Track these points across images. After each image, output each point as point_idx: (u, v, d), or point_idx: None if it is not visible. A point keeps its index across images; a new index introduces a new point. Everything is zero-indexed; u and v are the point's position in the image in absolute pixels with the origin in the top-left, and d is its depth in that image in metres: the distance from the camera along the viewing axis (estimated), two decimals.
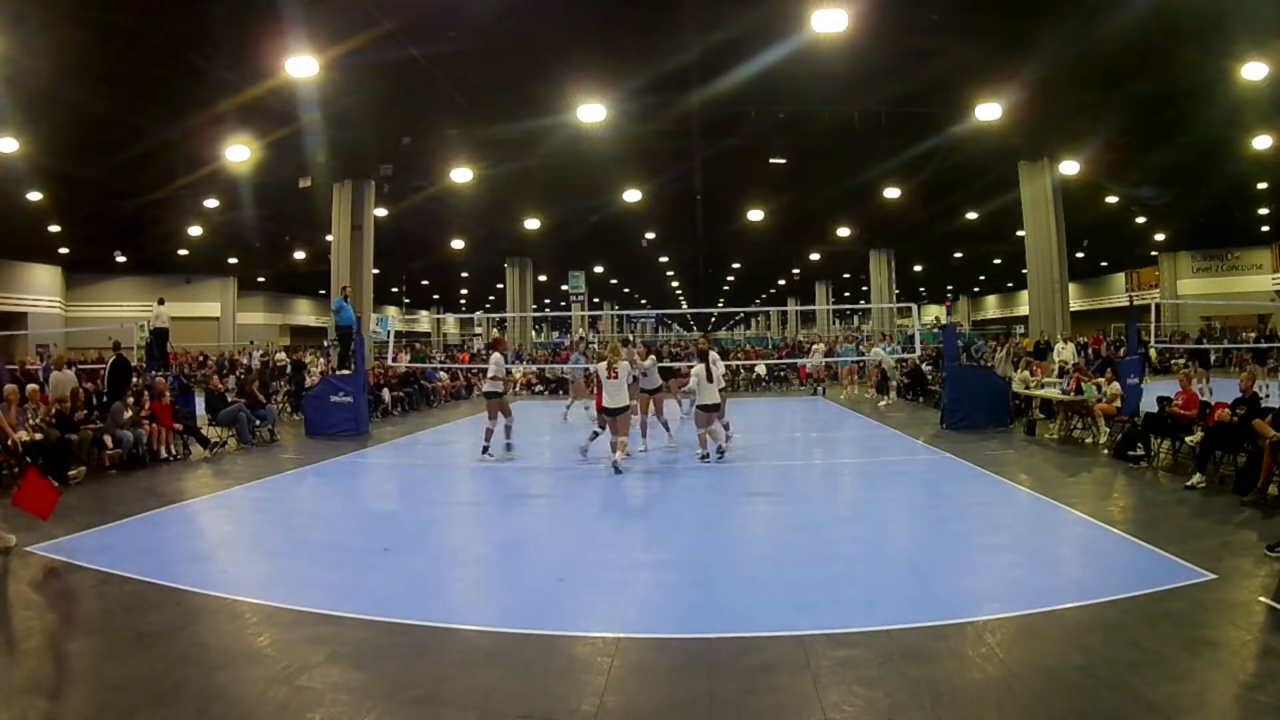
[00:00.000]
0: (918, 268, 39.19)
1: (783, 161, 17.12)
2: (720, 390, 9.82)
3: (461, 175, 17.23)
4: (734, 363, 23.02)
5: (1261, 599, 4.43)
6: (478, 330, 32.21)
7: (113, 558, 5.45)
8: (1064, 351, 13.72)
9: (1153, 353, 19.75)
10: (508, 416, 10.02)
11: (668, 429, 11.21)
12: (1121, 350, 15.24)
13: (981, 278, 44.39)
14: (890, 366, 17.81)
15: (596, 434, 9.73)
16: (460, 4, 10.25)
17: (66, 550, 5.74)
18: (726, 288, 45.47)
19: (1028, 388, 12.80)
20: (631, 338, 25.56)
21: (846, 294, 44.84)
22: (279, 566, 5.49)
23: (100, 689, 3.52)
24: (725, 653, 3.85)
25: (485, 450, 9.75)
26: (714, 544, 6.06)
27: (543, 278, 35.61)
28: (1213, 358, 19.72)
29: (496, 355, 10.36)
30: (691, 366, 10.57)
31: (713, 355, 10.00)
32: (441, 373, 20.50)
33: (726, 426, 10.18)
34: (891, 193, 20.12)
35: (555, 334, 42.34)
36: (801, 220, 23.83)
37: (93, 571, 5.22)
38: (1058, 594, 4.51)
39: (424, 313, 50.84)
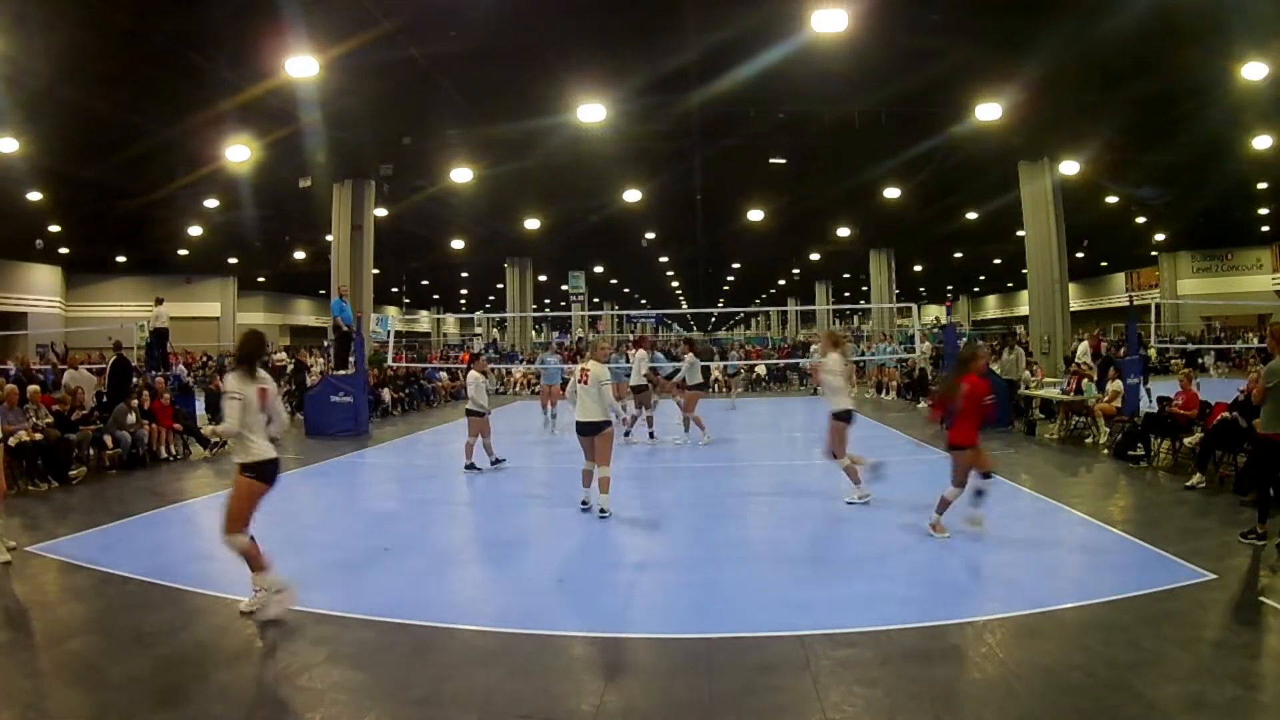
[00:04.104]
0: (918, 268, 39.16)
1: (783, 161, 17.11)
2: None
3: (461, 175, 17.22)
4: (732, 362, 23.05)
5: (1262, 599, 4.44)
6: (478, 330, 32.15)
7: (113, 558, 5.46)
8: (1083, 355, 13.81)
9: (1152, 352, 19.74)
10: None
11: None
12: (1122, 350, 15.24)
13: (981, 278, 44.38)
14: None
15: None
16: (460, 4, 10.24)
17: (66, 550, 5.74)
18: (726, 288, 45.45)
19: (1027, 387, 12.80)
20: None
21: (846, 294, 44.81)
22: (279, 566, 5.47)
23: (100, 689, 3.52)
24: (725, 653, 3.85)
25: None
26: (714, 544, 6.05)
27: (543, 278, 35.59)
28: (1210, 359, 19.72)
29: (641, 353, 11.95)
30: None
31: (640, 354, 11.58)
32: (442, 373, 20.50)
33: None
34: (891, 193, 20.11)
35: (555, 334, 42.30)
36: (801, 220, 23.82)
37: (93, 571, 5.23)
38: (1058, 594, 4.51)
39: (424, 313, 50.82)
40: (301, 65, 10.96)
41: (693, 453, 10.59)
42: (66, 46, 10.40)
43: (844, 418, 7.41)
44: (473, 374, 9.44)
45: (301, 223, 22.77)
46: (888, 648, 3.84)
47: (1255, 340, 24.64)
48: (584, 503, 6.85)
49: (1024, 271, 20.54)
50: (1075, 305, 26.22)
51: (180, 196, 18.57)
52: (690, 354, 12.12)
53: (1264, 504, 5.57)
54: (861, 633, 4.03)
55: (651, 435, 11.67)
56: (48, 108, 12.43)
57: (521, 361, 23.91)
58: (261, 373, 4.59)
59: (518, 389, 23.00)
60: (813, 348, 23.95)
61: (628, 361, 16.10)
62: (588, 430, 6.71)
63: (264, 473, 4.48)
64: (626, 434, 11.49)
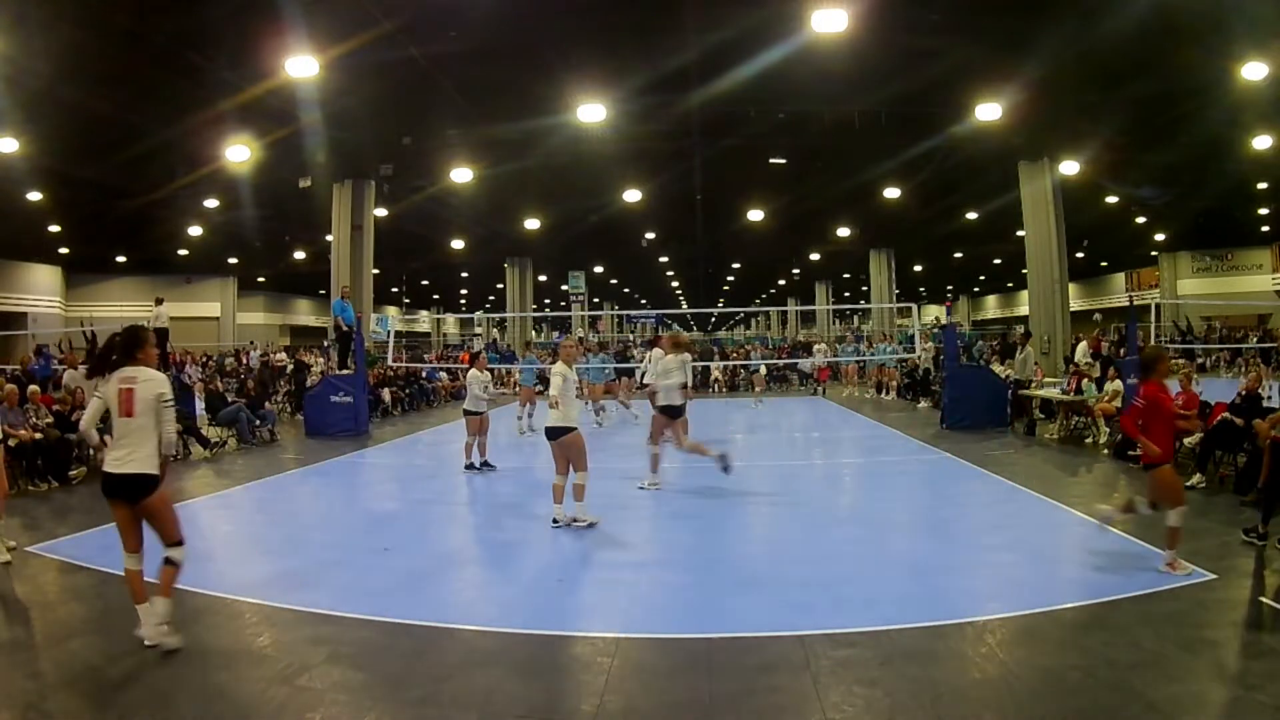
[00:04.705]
0: (918, 268, 39.16)
1: (783, 161, 17.12)
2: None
3: (461, 175, 17.22)
4: (731, 362, 23.05)
5: (1262, 599, 4.44)
6: (478, 330, 32.17)
7: (113, 558, 5.39)
8: (1083, 355, 13.83)
9: None
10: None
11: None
12: (1122, 350, 15.25)
13: (981, 278, 44.37)
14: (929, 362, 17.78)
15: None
16: (460, 4, 10.25)
17: (66, 550, 5.75)
18: (726, 288, 45.45)
19: (1026, 387, 12.79)
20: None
21: (846, 294, 44.81)
22: (279, 566, 5.49)
23: (100, 689, 3.52)
24: (725, 653, 3.85)
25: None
26: (714, 544, 6.05)
27: (543, 278, 35.60)
28: (1208, 360, 19.70)
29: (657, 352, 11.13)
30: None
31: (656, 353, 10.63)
32: (442, 373, 20.51)
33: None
34: (891, 193, 20.11)
35: (555, 334, 42.34)
36: (801, 220, 23.83)
37: (93, 571, 5.23)
38: (1058, 594, 4.51)
39: (424, 313, 50.81)
40: (301, 65, 10.97)
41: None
42: (66, 46, 10.40)
43: (667, 413, 8.07)
44: (472, 373, 9.42)
45: (301, 223, 22.77)
46: (888, 648, 3.84)
47: (1254, 339, 24.65)
48: (555, 520, 6.36)
49: (1024, 271, 20.55)
50: (1075, 305, 26.23)
51: (180, 196, 18.57)
52: (684, 352, 12.01)
53: (1270, 505, 5.58)
54: (861, 633, 4.02)
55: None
56: (48, 108, 12.43)
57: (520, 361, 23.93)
58: (134, 371, 3.97)
59: (516, 389, 22.99)
60: (815, 348, 24.02)
61: (601, 359, 16.15)
62: (550, 435, 6.41)
63: (105, 486, 3.95)
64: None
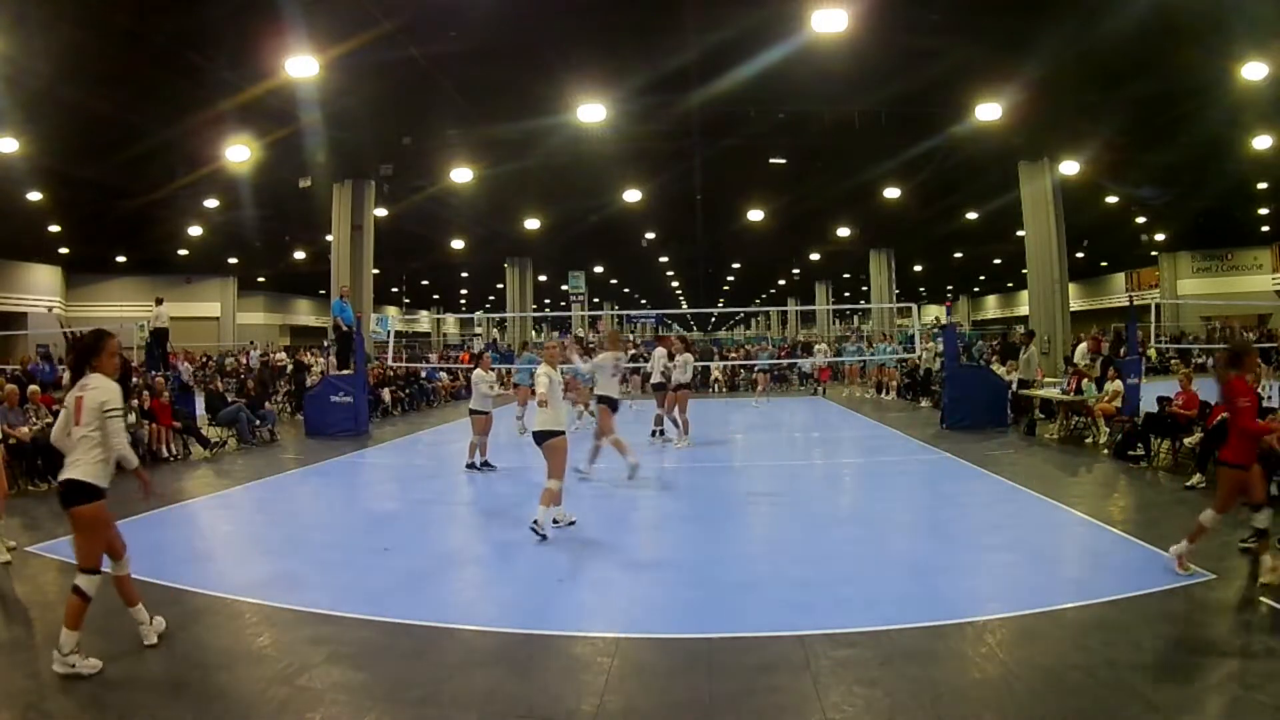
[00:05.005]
0: (918, 268, 39.17)
1: (783, 161, 17.12)
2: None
3: (461, 175, 17.23)
4: (731, 362, 23.06)
5: (1262, 599, 4.44)
6: (478, 330, 32.16)
7: None
8: (1081, 357, 13.86)
9: (1152, 352, 19.75)
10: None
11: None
12: (1122, 351, 15.27)
13: (981, 278, 44.38)
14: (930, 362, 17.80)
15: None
16: (460, 4, 10.25)
17: (66, 550, 5.73)
18: (726, 288, 45.47)
19: (1028, 387, 12.78)
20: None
21: (846, 294, 44.83)
22: (279, 566, 5.49)
23: (101, 689, 3.52)
24: (725, 653, 3.85)
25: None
26: (714, 544, 6.05)
27: (543, 278, 35.60)
28: (1209, 360, 19.67)
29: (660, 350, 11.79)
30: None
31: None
32: (441, 373, 20.51)
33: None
34: (891, 193, 20.12)
35: (555, 333, 42.31)
36: (801, 220, 23.84)
37: None
38: (1058, 594, 4.51)
39: (424, 313, 50.79)
40: (301, 65, 10.97)
41: (692, 453, 10.59)
42: (66, 46, 10.41)
43: (607, 403, 8.45)
44: (477, 372, 9.42)
45: (301, 223, 22.78)
46: (888, 648, 3.84)
47: (1252, 339, 24.63)
48: (555, 521, 6.25)
49: (1024, 271, 20.55)
50: (1075, 305, 26.22)
51: (180, 196, 18.57)
52: (685, 353, 12.07)
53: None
54: (861, 633, 4.03)
55: (653, 434, 11.67)
56: (48, 108, 12.43)
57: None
58: (87, 379, 3.83)
59: (514, 389, 22.97)
60: (816, 348, 24.02)
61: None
62: (537, 438, 6.21)
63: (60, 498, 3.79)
64: (661, 433, 11.65)
